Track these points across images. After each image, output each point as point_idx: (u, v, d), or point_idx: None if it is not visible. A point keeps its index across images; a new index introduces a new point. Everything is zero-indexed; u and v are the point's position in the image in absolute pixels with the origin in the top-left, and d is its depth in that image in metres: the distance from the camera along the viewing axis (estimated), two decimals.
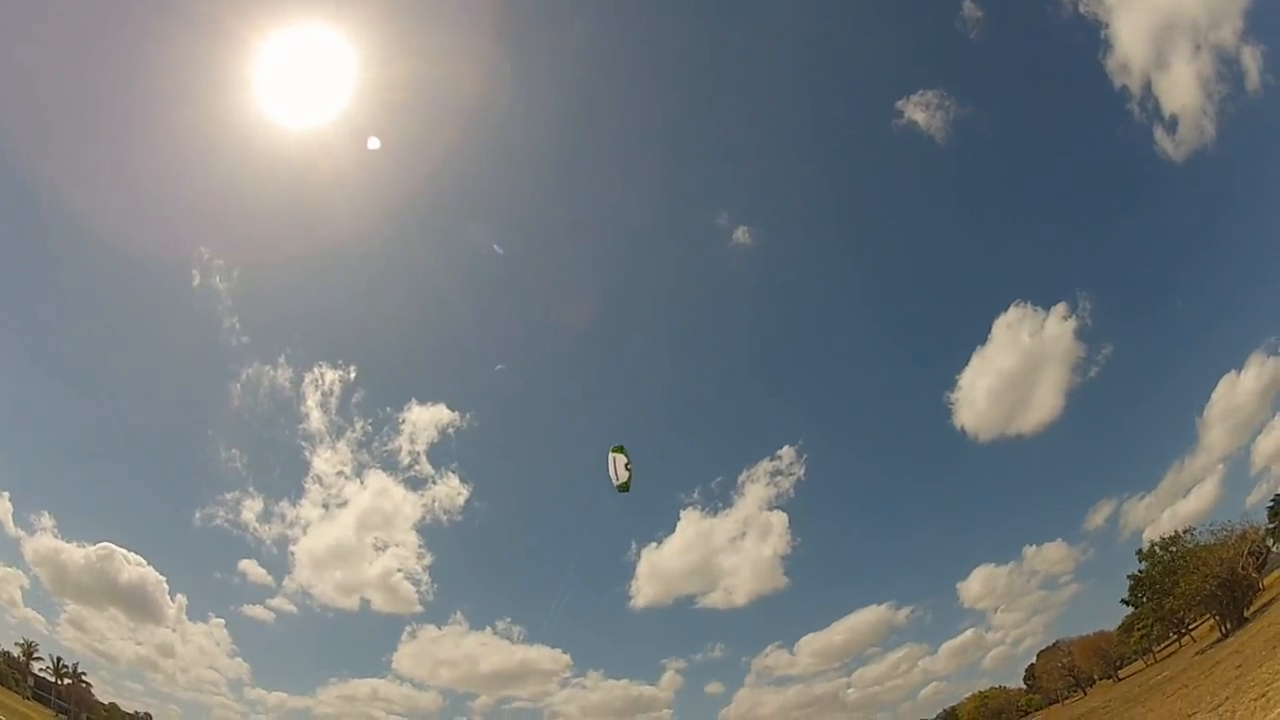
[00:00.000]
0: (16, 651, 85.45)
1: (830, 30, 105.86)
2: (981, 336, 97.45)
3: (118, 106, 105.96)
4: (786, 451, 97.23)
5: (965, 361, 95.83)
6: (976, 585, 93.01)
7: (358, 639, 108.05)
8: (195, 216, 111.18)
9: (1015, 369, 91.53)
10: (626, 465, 28.74)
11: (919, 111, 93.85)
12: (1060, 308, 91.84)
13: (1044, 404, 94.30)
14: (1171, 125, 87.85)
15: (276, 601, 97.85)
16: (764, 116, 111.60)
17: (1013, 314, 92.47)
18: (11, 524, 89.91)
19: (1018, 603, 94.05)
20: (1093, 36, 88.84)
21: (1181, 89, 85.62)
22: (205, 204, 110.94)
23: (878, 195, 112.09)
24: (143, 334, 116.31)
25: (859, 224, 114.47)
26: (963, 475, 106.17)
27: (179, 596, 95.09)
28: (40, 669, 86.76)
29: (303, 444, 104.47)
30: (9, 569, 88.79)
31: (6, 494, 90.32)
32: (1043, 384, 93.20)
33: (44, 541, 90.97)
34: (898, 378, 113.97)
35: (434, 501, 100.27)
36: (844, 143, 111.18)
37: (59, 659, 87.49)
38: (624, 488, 28.34)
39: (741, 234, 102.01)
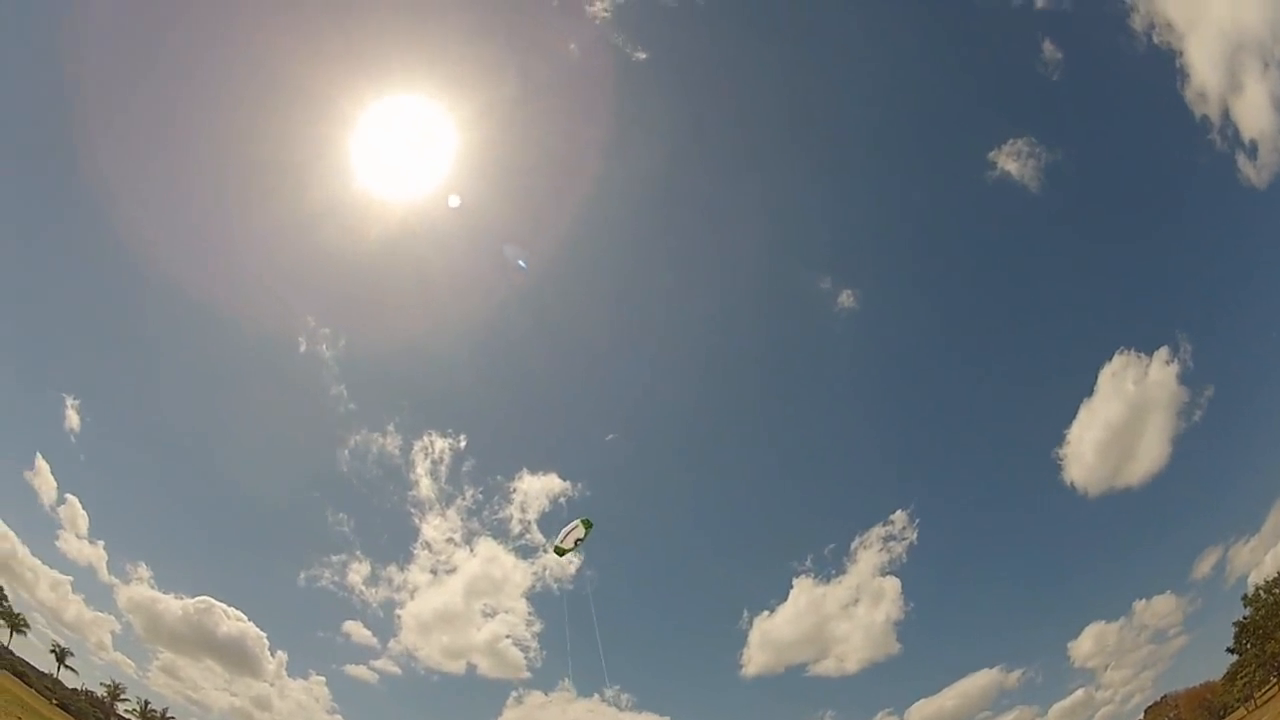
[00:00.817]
0: (102, 692, 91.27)
1: (917, 87, 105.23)
2: (1088, 388, 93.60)
3: (224, 176, 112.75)
4: (899, 516, 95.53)
5: (1073, 415, 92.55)
6: (1088, 644, 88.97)
7: (462, 702, 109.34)
8: (301, 285, 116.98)
9: (1121, 419, 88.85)
10: (578, 540, 28.67)
11: (1011, 161, 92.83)
12: (1162, 352, 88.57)
13: (1150, 452, 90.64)
14: (1252, 151, 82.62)
15: (380, 663, 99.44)
16: (862, 180, 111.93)
17: (1117, 362, 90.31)
18: (105, 571, 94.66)
19: (1127, 659, 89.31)
20: (1169, 66, 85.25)
21: (1257, 110, 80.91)
22: (310, 273, 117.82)
23: (977, 249, 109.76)
24: (250, 399, 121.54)
25: (961, 281, 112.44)
26: (1074, 531, 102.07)
27: (279, 652, 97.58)
28: (125, 710, 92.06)
29: (412, 510, 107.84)
30: (100, 614, 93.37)
31: (101, 543, 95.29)
32: (1149, 432, 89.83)
33: (139, 590, 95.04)
34: (1007, 436, 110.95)
35: (545, 570, 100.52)
36: (940, 199, 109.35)
37: (146, 702, 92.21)
38: (559, 551, 28.64)
39: (846, 297, 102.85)
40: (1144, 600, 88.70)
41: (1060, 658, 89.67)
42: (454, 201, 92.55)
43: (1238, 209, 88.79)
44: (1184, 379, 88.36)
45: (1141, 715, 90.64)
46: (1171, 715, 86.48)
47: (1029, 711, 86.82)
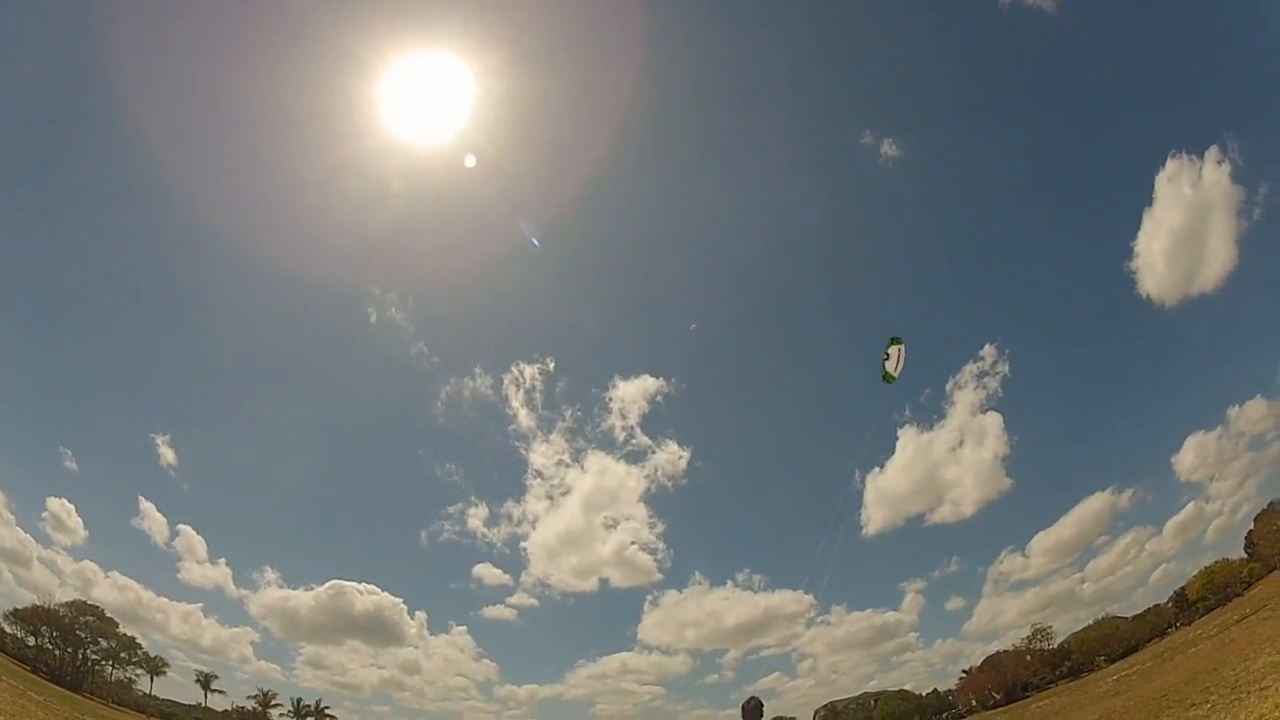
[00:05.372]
0: (251, 705, 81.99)
1: None
2: (1147, 197, 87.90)
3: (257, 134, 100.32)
4: (988, 351, 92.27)
5: (1137, 226, 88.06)
6: (1190, 456, 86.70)
7: (601, 618, 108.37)
8: (356, 254, 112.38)
9: (1184, 224, 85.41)
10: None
11: None
12: (1213, 152, 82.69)
13: (1218, 255, 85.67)
14: None
15: (516, 598, 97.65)
16: (873, 27, 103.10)
17: (1170, 167, 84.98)
18: (233, 586, 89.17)
19: (1229, 468, 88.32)
20: None
21: None
22: (362, 240, 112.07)
23: (1005, 80, 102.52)
24: (335, 379, 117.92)
25: (998, 113, 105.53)
26: (1158, 344, 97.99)
27: (418, 614, 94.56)
28: (280, 715, 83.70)
29: (516, 444, 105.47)
30: (236, 629, 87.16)
31: (223, 560, 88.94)
32: (1212, 235, 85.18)
33: (269, 594, 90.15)
34: (1077, 256, 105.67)
35: (656, 470, 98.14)
36: (953, 32, 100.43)
37: (299, 700, 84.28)
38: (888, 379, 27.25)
39: (889, 147, 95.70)
40: (1237, 406, 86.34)
41: (1166, 474, 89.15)
42: (470, 161, 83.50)
43: None
44: (1236, 178, 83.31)
45: (1253, 524, 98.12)
46: None
47: (1145, 532, 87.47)
